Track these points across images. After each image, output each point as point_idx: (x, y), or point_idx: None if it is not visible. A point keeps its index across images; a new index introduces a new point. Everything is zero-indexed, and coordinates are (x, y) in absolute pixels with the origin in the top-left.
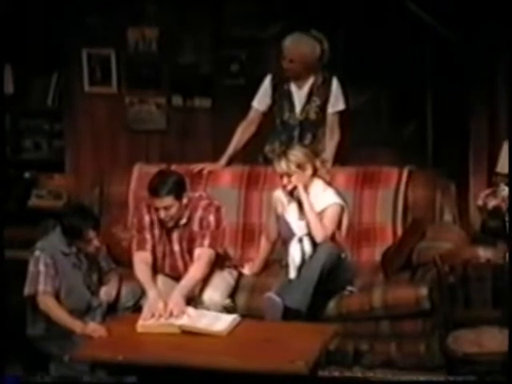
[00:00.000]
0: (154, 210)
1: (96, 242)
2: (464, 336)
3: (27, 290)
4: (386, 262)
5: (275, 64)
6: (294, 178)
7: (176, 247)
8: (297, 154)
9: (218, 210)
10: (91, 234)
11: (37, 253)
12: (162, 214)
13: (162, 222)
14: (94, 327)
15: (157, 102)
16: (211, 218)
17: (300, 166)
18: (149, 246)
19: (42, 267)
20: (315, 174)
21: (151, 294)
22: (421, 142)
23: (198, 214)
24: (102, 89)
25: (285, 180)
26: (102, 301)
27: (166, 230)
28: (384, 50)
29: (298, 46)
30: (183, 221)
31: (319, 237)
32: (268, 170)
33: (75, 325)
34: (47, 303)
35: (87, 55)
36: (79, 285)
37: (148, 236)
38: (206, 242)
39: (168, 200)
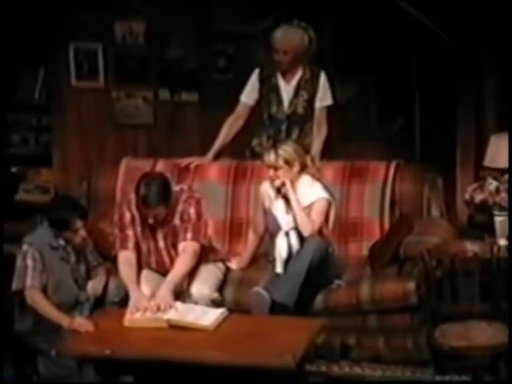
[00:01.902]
0: (135, 208)
1: (83, 233)
2: (451, 330)
3: (15, 285)
4: (373, 257)
5: (263, 58)
6: (280, 173)
7: (161, 244)
8: (287, 149)
9: (198, 202)
10: (78, 223)
11: (25, 247)
12: (151, 220)
13: (144, 220)
14: (80, 322)
15: (144, 96)
16: (191, 210)
17: (288, 162)
18: (131, 243)
19: (29, 261)
20: (303, 170)
21: (134, 296)
22: (408, 137)
23: (179, 207)
24: (90, 83)
25: (271, 172)
26: (89, 295)
27: (149, 226)
28: (372, 46)
29: (290, 36)
30: (167, 217)
31: (307, 231)
32: (255, 164)
33: (62, 319)
34: (34, 298)
35: (74, 49)
36: (67, 279)
37: (130, 233)
38: (189, 235)
39: (158, 210)
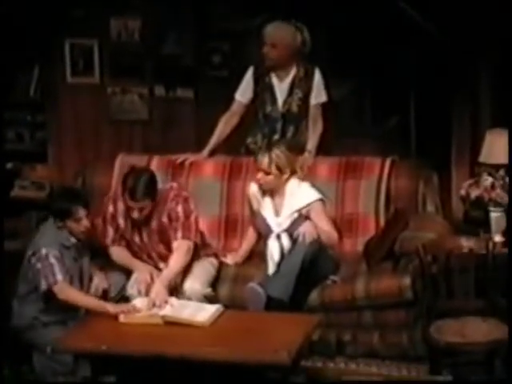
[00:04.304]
0: (121, 201)
1: (86, 222)
2: (447, 325)
3: (44, 285)
4: (368, 252)
5: (258, 56)
6: (269, 178)
7: (146, 238)
8: (280, 156)
9: (185, 200)
10: (81, 212)
11: (44, 250)
12: (136, 214)
13: (128, 213)
14: (126, 306)
15: (139, 92)
16: (179, 208)
17: (279, 169)
18: (109, 239)
19: (53, 260)
20: (291, 175)
21: (137, 268)
22: (403, 133)
23: (167, 205)
24: (85, 79)
25: (259, 175)
26: (90, 292)
27: (132, 220)
28: (368, 42)
29: (280, 30)
30: (151, 213)
31: (334, 240)
32: (250, 161)
33: (105, 306)
34: (67, 291)
35: (70, 46)
36: (76, 278)
37: (110, 229)
38: (179, 234)
39: (143, 203)
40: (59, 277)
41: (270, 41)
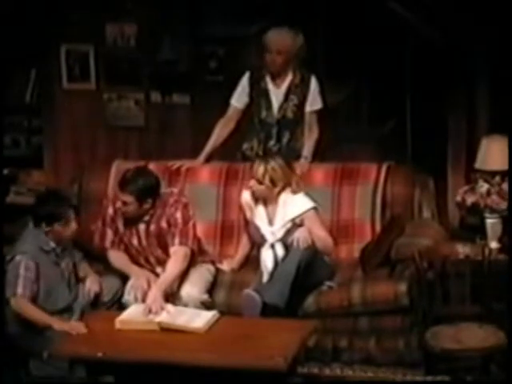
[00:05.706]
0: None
1: (74, 225)
2: (443, 332)
3: (7, 293)
4: (364, 258)
5: (254, 61)
6: (261, 187)
7: (144, 241)
8: (276, 169)
9: (185, 206)
10: (70, 213)
11: (18, 258)
12: (118, 204)
13: (124, 216)
14: (73, 324)
15: (135, 98)
16: (178, 214)
17: (273, 182)
18: (108, 242)
19: (22, 271)
20: (284, 188)
21: (134, 273)
22: (400, 139)
23: (166, 210)
24: (81, 85)
25: (252, 182)
26: (79, 297)
27: (132, 223)
28: (363, 48)
29: (283, 37)
30: (146, 217)
31: (330, 246)
32: (246, 167)
33: (53, 321)
34: (21, 305)
35: (66, 51)
36: (59, 283)
37: (109, 231)
38: (177, 240)
39: (127, 197)
40: (19, 290)
41: (275, 47)
